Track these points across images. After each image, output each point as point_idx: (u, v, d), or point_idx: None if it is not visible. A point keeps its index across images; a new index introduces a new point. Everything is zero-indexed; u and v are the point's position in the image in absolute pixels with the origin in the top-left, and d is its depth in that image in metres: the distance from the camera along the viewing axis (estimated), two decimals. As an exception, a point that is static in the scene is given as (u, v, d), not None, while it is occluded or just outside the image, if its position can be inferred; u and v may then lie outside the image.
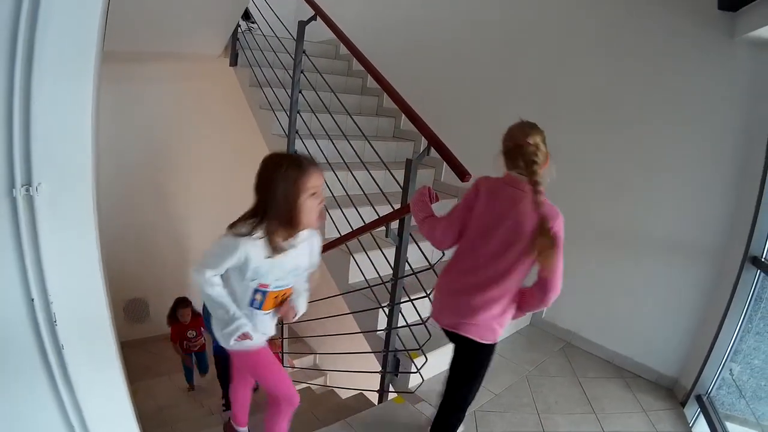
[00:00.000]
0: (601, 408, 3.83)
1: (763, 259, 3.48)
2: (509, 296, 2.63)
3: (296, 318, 2.79)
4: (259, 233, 2.40)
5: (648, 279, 4.27)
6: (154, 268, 7.95)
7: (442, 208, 2.93)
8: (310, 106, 4.71)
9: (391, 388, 3.89)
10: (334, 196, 4.29)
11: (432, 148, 3.42)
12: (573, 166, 4.44)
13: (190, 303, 6.31)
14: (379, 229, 3.71)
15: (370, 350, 4.05)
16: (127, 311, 7.81)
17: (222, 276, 2.51)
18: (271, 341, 3.36)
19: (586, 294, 4.60)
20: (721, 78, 3.78)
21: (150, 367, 7.27)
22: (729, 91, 3.74)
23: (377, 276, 3.91)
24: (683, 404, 3.93)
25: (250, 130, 5.93)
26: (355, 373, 4.18)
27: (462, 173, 3.25)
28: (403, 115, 3.80)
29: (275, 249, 2.42)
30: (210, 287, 2.47)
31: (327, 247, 4.06)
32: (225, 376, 4.79)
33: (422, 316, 3.51)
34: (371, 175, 4.15)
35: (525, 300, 2.70)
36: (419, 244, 3.61)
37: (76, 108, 1.88)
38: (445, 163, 3.42)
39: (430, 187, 2.95)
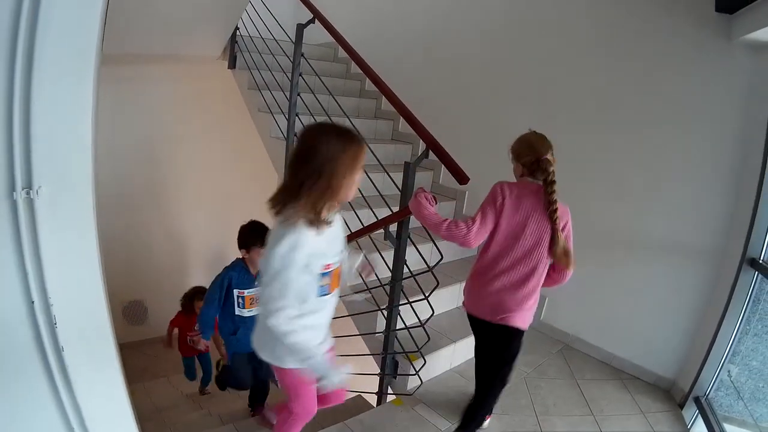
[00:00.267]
0: (600, 410, 3.84)
1: (761, 261, 3.48)
2: (540, 285, 2.99)
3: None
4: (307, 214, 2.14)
5: (646, 280, 4.28)
6: (152, 270, 7.94)
7: (439, 210, 2.97)
8: (308, 108, 4.71)
9: (389, 391, 3.89)
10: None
11: (430, 151, 3.42)
12: (571, 167, 4.42)
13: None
14: (378, 231, 3.71)
15: (369, 352, 4.06)
16: (126, 313, 7.80)
17: None
18: None
19: (584, 296, 4.61)
20: (719, 80, 3.79)
21: (148, 368, 7.26)
22: (727, 92, 3.75)
23: (376, 278, 3.91)
24: (681, 406, 3.94)
25: (248, 133, 5.93)
26: (354, 375, 4.18)
27: (461, 176, 3.26)
28: (402, 118, 3.81)
29: (324, 224, 2.21)
30: (295, 334, 2.19)
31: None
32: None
33: (421, 319, 3.51)
34: (369, 178, 4.14)
35: (546, 283, 3.05)
36: (417, 247, 3.61)
37: (76, 111, 1.88)
38: (443, 166, 3.42)
39: (425, 191, 2.99)
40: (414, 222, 3.27)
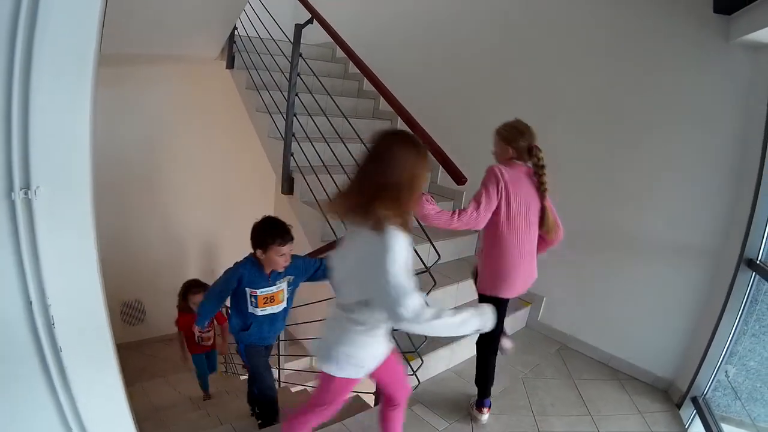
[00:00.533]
0: (597, 410, 3.85)
1: (758, 262, 3.49)
2: None
3: None
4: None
5: (644, 281, 4.29)
6: (150, 270, 7.95)
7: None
8: (306, 108, 4.71)
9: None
10: (330, 199, 4.29)
11: (428, 151, 3.42)
12: (569, 168, 4.45)
13: (204, 287, 5.25)
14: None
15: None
16: (123, 313, 7.81)
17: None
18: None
19: (581, 296, 4.62)
20: (717, 80, 3.80)
21: (146, 368, 7.27)
22: (725, 93, 3.76)
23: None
24: (679, 406, 3.94)
25: (246, 133, 5.93)
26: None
27: (458, 177, 3.26)
28: (399, 118, 3.81)
29: (409, 231, 2.23)
30: (436, 318, 2.20)
31: (324, 249, 4.07)
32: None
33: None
34: (368, 178, 4.14)
35: (542, 249, 3.38)
36: (414, 247, 3.61)
37: (75, 111, 1.88)
38: (441, 166, 3.43)
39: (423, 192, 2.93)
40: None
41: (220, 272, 4.49)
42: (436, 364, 4.03)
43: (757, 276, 3.51)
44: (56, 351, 2.01)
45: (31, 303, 1.90)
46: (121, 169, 7.04)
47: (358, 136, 4.27)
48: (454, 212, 3.01)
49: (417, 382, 3.70)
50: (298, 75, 4.65)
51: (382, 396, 2.85)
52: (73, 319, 2.04)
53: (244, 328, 3.50)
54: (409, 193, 2.21)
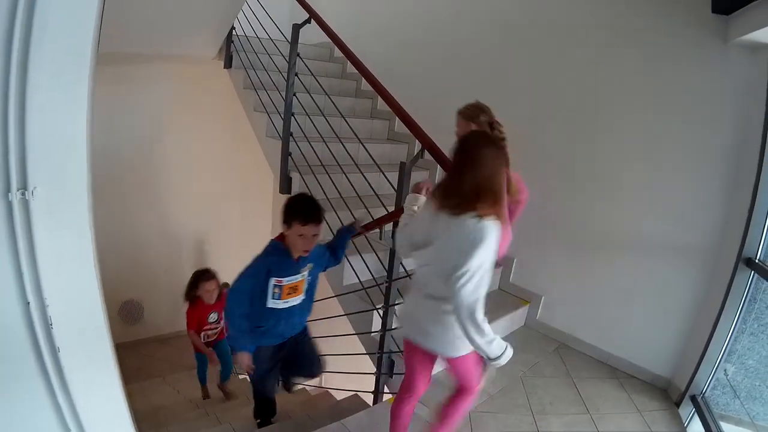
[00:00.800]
0: (596, 408, 3.85)
1: (757, 260, 3.49)
2: None
3: None
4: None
5: (642, 280, 4.28)
6: (148, 270, 7.94)
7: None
8: (304, 108, 4.71)
9: (385, 390, 3.89)
10: (328, 199, 4.30)
11: (426, 151, 3.42)
12: (567, 168, 4.46)
13: (216, 275, 5.16)
14: (373, 231, 3.71)
15: (365, 352, 4.06)
16: (122, 313, 7.80)
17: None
18: None
19: (579, 295, 4.62)
20: (716, 80, 3.80)
21: (144, 368, 7.26)
22: (723, 93, 3.76)
23: (371, 278, 3.91)
24: (678, 404, 3.95)
25: (244, 133, 5.92)
26: (350, 375, 4.18)
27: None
28: (397, 118, 3.81)
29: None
30: (484, 321, 2.42)
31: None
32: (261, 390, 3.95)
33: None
34: (365, 178, 4.15)
35: (514, 217, 3.34)
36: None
37: (72, 111, 1.87)
38: (438, 166, 3.43)
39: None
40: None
41: (220, 270, 4.48)
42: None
43: (756, 275, 3.51)
44: (54, 351, 2.00)
45: (28, 303, 1.90)
46: (119, 168, 7.03)
47: (356, 135, 4.28)
48: None
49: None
50: (296, 75, 4.65)
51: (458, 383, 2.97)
52: (71, 319, 2.03)
53: (257, 326, 3.20)
54: (501, 189, 2.47)
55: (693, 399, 3.82)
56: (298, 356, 3.59)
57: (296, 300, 3.22)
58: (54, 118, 1.82)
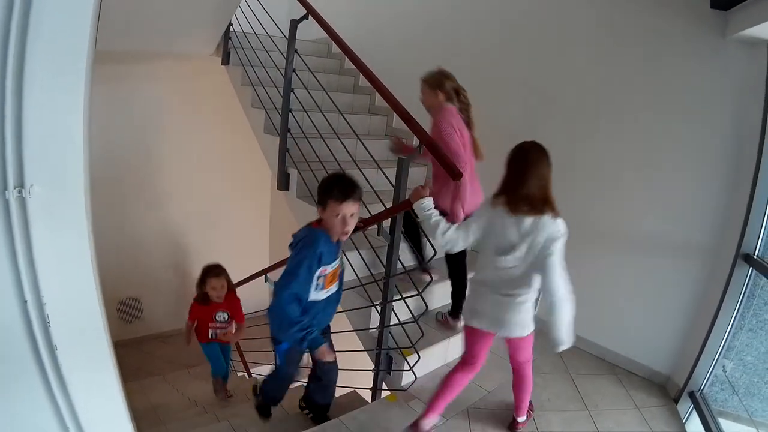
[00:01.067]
0: (594, 405, 3.84)
1: (755, 257, 3.49)
2: None
3: None
4: None
5: (640, 276, 4.29)
6: (146, 267, 7.94)
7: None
8: (302, 104, 4.70)
9: (384, 386, 3.89)
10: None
11: (424, 146, 3.41)
12: (566, 166, 4.43)
13: (225, 271, 4.89)
14: (371, 227, 3.71)
15: (363, 348, 4.05)
16: (120, 311, 7.80)
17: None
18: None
19: (578, 291, 4.57)
20: (714, 76, 3.79)
21: (143, 366, 7.26)
22: (721, 88, 3.75)
23: (369, 274, 3.91)
24: (676, 401, 3.95)
25: (242, 129, 5.92)
26: (348, 372, 4.18)
27: (454, 172, 3.25)
28: (395, 114, 3.80)
29: None
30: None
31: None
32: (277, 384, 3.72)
33: (414, 314, 3.51)
34: (363, 174, 4.14)
35: None
36: (410, 243, 3.61)
37: (68, 108, 1.87)
38: (437, 161, 3.42)
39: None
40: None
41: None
42: (431, 360, 4.02)
43: (754, 271, 3.51)
44: (52, 350, 2.00)
45: (26, 302, 1.90)
46: (117, 165, 7.03)
47: (354, 131, 4.27)
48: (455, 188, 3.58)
49: (414, 378, 3.69)
50: (294, 71, 4.64)
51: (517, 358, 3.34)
52: (69, 317, 2.03)
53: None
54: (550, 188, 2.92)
55: (691, 395, 3.82)
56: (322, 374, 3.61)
57: (333, 288, 3.09)
58: (51, 116, 1.82)
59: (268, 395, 3.82)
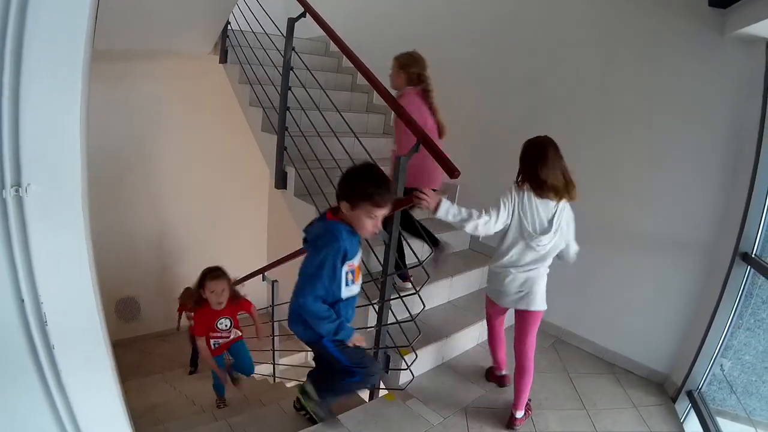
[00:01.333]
0: (592, 404, 3.84)
1: (753, 255, 3.48)
2: None
3: None
4: None
5: (639, 274, 4.29)
6: (144, 267, 7.95)
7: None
8: (299, 103, 4.69)
9: (381, 385, 3.88)
10: (324, 193, 4.29)
11: (421, 145, 3.41)
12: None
13: (225, 275, 4.28)
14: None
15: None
16: (118, 310, 7.79)
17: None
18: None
19: (575, 290, 4.61)
20: (712, 74, 3.79)
21: (141, 365, 7.26)
22: (719, 86, 3.75)
23: (367, 272, 3.90)
24: (674, 400, 3.95)
25: (240, 128, 5.91)
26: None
27: (451, 170, 3.24)
28: (393, 113, 3.79)
29: None
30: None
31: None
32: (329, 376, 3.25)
33: (412, 313, 3.50)
34: (361, 173, 4.14)
35: None
36: (408, 242, 3.61)
37: (66, 107, 1.86)
38: (435, 160, 3.41)
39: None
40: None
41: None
42: (429, 359, 4.02)
43: (752, 270, 3.50)
44: (49, 349, 1.99)
45: (23, 301, 1.89)
46: (114, 164, 7.03)
47: (351, 130, 4.26)
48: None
49: (411, 377, 3.69)
50: (291, 69, 4.64)
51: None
52: (66, 316, 2.02)
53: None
54: None
55: (689, 394, 3.82)
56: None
57: (360, 281, 2.95)
58: (47, 115, 1.81)
59: (329, 393, 3.36)
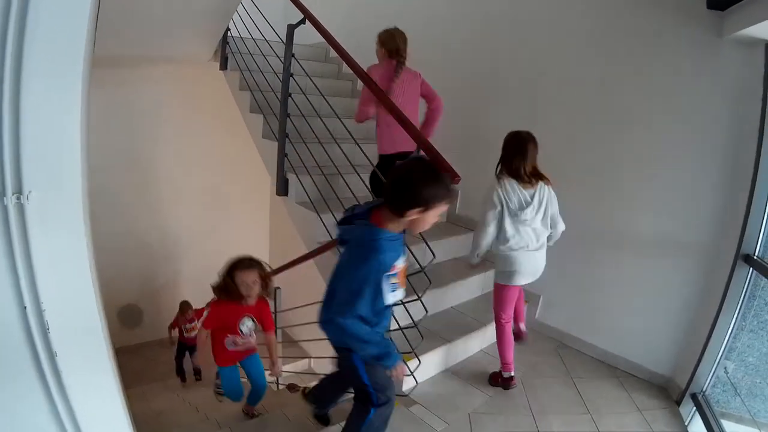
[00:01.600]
0: (596, 408, 3.83)
1: (755, 257, 3.48)
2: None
3: None
4: None
5: (640, 277, 4.28)
6: (147, 274, 7.95)
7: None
8: (300, 109, 4.69)
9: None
10: (325, 200, 4.29)
11: (422, 151, 3.41)
12: (563, 165, 4.44)
13: (259, 265, 3.72)
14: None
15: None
16: (121, 317, 7.80)
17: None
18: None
19: (579, 294, 4.61)
20: (711, 76, 3.78)
21: (144, 372, 7.26)
22: (719, 88, 3.74)
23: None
24: (678, 403, 3.93)
25: (241, 134, 5.92)
26: (349, 377, 4.17)
27: (452, 176, 3.24)
28: (393, 117, 3.79)
29: None
30: None
31: (319, 250, 4.06)
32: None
33: (414, 319, 3.50)
34: (361, 179, 4.15)
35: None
36: (410, 247, 3.61)
37: (66, 113, 1.86)
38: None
39: None
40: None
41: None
42: (432, 364, 4.01)
43: (755, 271, 3.49)
44: (51, 356, 1.99)
45: (25, 308, 1.89)
46: (116, 170, 7.05)
47: (351, 136, 4.26)
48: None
49: (415, 383, 3.68)
50: (291, 75, 4.64)
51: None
52: (68, 324, 2.02)
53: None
54: None
55: (693, 397, 3.81)
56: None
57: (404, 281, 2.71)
58: (48, 121, 1.81)
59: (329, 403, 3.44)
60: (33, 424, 2.10)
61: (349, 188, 4.24)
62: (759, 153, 3.44)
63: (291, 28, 4.60)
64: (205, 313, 5.11)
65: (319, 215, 4.23)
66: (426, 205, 2.33)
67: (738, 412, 3.71)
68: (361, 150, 4.10)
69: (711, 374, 3.79)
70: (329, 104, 4.60)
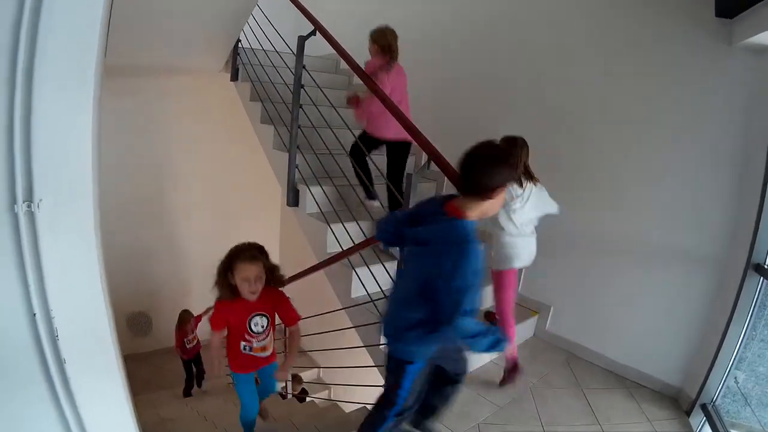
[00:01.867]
0: (606, 419, 3.82)
1: (766, 266, 3.47)
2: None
3: None
4: None
5: (651, 288, 4.27)
6: (156, 282, 7.97)
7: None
8: (310, 120, 4.71)
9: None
10: (335, 211, 4.30)
11: (432, 161, 3.42)
12: (572, 175, 4.45)
13: (262, 257, 3.17)
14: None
15: (373, 364, 4.04)
16: (130, 325, 7.82)
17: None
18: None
19: (588, 305, 4.60)
20: (720, 84, 3.79)
21: (153, 380, 7.28)
22: (727, 97, 3.75)
23: (379, 290, 3.90)
24: (688, 413, 3.92)
25: (252, 145, 5.94)
26: (359, 387, 4.17)
27: (452, 176, 3.25)
28: (403, 128, 3.81)
29: None
30: None
31: (329, 261, 4.07)
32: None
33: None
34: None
35: None
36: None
37: (77, 123, 1.88)
38: (445, 177, 3.42)
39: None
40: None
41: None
42: (443, 374, 4.02)
43: (765, 281, 3.49)
44: (60, 363, 2.01)
45: (34, 315, 1.91)
46: (127, 180, 7.07)
47: (362, 148, 4.28)
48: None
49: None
50: (302, 86, 4.66)
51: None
52: (77, 331, 2.04)
53: (435, 329, 2.46)
54: None
55: (703, 407, 3.80)
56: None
57: None
58: (59, 130, 1.83)
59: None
60: (41, 430, 2.11)
61: (360, 199, 4.26)
62: (769, 161, 3.44)
63: (302, 40, 4.61)
64: (204, 318, 5.15)
65: (329, 226, 4.25)
66: (496, 189, 2.31)
67: (748, 422, 3.70)
68: (372, 162, 4.12)
69: (721, 384, 3.78)
70: (340, 115, 4.61)
